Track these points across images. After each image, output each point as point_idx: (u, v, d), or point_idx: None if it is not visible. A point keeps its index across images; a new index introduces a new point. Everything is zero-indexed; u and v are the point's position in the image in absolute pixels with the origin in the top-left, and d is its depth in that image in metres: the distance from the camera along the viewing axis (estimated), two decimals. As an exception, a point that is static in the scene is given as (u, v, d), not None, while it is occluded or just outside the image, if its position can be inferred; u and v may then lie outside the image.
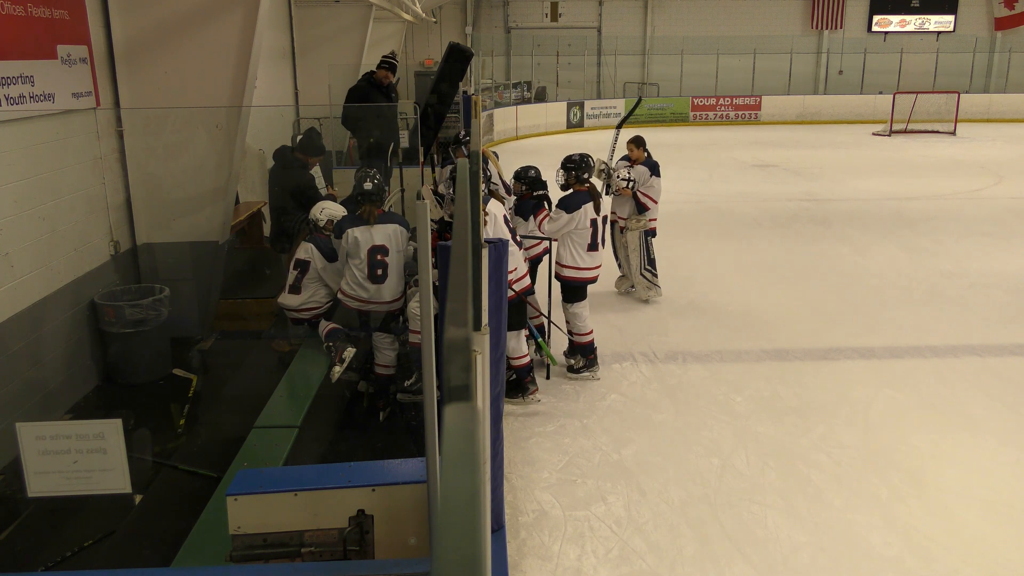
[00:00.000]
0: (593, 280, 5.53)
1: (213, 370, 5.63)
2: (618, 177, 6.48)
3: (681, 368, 5.64)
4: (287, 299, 5.06)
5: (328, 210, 5.13)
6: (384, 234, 4.77)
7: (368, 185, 4.78)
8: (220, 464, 3.83)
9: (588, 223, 5.35)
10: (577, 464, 4.38)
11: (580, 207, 5.32)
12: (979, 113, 22.83)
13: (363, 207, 4.80)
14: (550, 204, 5.67)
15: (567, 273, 5.44)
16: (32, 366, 4.60)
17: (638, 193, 6.61)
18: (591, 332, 5.50)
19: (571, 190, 5.50)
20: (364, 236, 4.73)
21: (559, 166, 5.58)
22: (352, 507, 2.56)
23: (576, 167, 5.47)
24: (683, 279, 7.58)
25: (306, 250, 5.05)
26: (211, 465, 4.02)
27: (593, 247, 5.42)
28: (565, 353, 5.59)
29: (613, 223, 6.87)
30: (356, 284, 4.79)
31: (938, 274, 7.93)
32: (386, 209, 5.32)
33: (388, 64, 7.82)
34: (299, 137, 6.57)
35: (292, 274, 5.05)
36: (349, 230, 4.74)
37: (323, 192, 6.53)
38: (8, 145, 4.34)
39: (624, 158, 6.88)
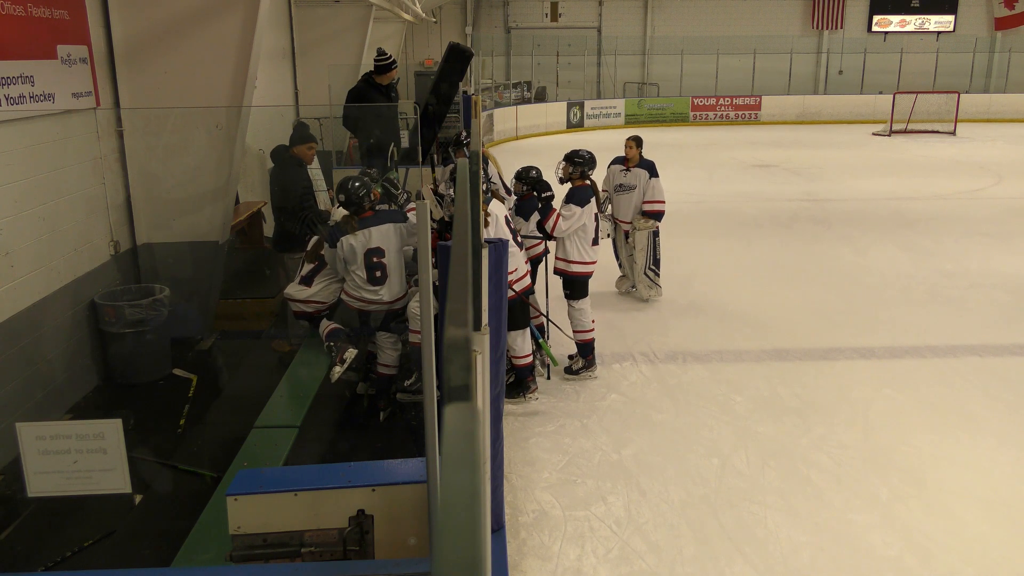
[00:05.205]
0: (592, 274, 5.61)
1: (213, 370, 5.63)
2: (644, 221, 6.67)
3: (681, 368, 5.64)
4: (296, 290, 4.98)
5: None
6: (379, 235, 4.74)
7: (341, 196, 4.74)
8: (220, 464, 3.83)
9: (592, 217, 5.48)
10: (577, 464, 4.37)
11: (589, 200, 5.44)
12: (979, 113, 22.81)
13: (348, 219, 4.75)
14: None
15: (576, 268, 5.49)
16: (32, 366, 4.60)
17: (646, 208, 6.68)
18: (593, 326, 5.52)
19: (571, 184, 5.61)
20: (359, 240, 4.70)
21: (563, 159, 5.67)
22: (352, 507, 2.56)
23: (584, 163, 5.59)
24: (683, 279, 7.57)
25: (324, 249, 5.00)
26: (211, 465, 4.02)
27: (595, 241, 5.55)
28: (569, 356, 5.61)
29: (617, 226, 6.93)
30: (358, 288, 4.78)
31: (938, 274, 7.93)
32: (392, 206, 5.32)
33: (386, 65, 7.76)
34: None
35: (307, 267, 5.00)
36: (343, 238, 4.71)
37: (324, 193, 6.52)
38: (8, 145, 4.34)
39: (620, 159, 6.87)
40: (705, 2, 24.77)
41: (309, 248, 5.06)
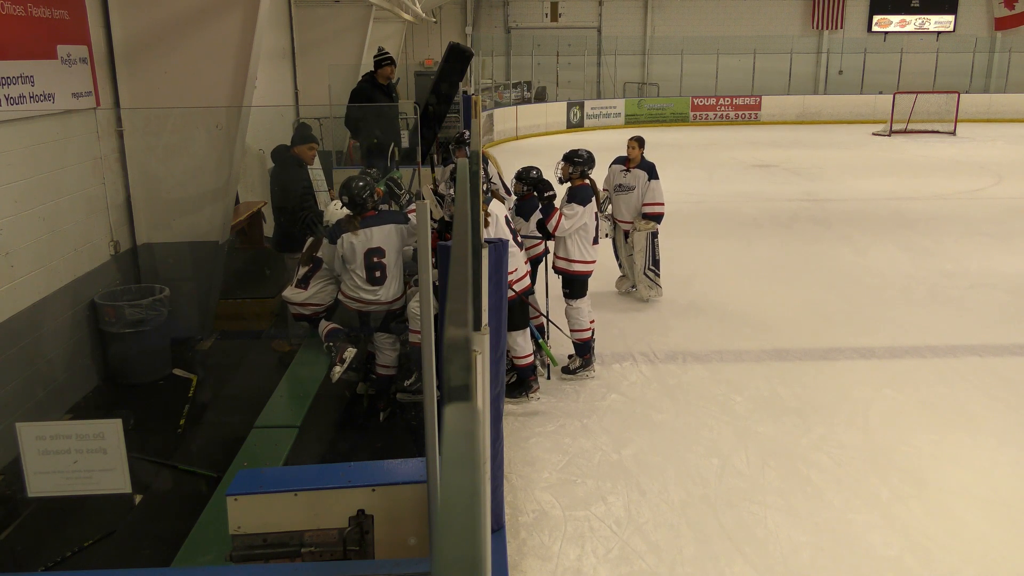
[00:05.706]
0: (592, 273, 5.63)
1: (213, 370, 5.63)
2: (643, 223, 6.68)
3: (681, 368, 5.64)
4: (293, 293, 5.00)
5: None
6: (380, 235, 4.74)
7: (345, 197, 4.76)
8: (220, 464, 3.83)
9: (593, 216, 5.51)
10: (577, 464, 4.37)
11: (590, 199, 5.48)
12: (979, 113, 22.80)
13: (351, 219, 4.77)
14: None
15: (577, 267, 5.51)
16: (32, 366, 4.60)
17: (646, 210, 6.68)
18: (591, 326, 5.53)
19: (570, 184, 5.62)
20: (360, 239, 4.71)
21: (562, 159, 5.69)
22: (352, 507, 2.56)
23: (583, 163, 5.62)
24: (683, 279, 7.57)
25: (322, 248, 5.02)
26: (211, 465, 4.02)
27: (595, 240, 5.57)
28: (569, 356, 5.62)
29: (616, 225, 6.94)
30: (356, 288, 4.77)
31: (938, 274, 7.93)
32: (393, 206, 5.31)
33: (389, 60, 7.78)
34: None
35: (302, 269, 5.02)
36: (344, 236, 4.72)
37: (324, 193, 6.52)
38: (8, 145, 4.34)
39: (621, 159, 6.88)
40: (705, 2, 24.77)
41: (304, 250, 5.07)
